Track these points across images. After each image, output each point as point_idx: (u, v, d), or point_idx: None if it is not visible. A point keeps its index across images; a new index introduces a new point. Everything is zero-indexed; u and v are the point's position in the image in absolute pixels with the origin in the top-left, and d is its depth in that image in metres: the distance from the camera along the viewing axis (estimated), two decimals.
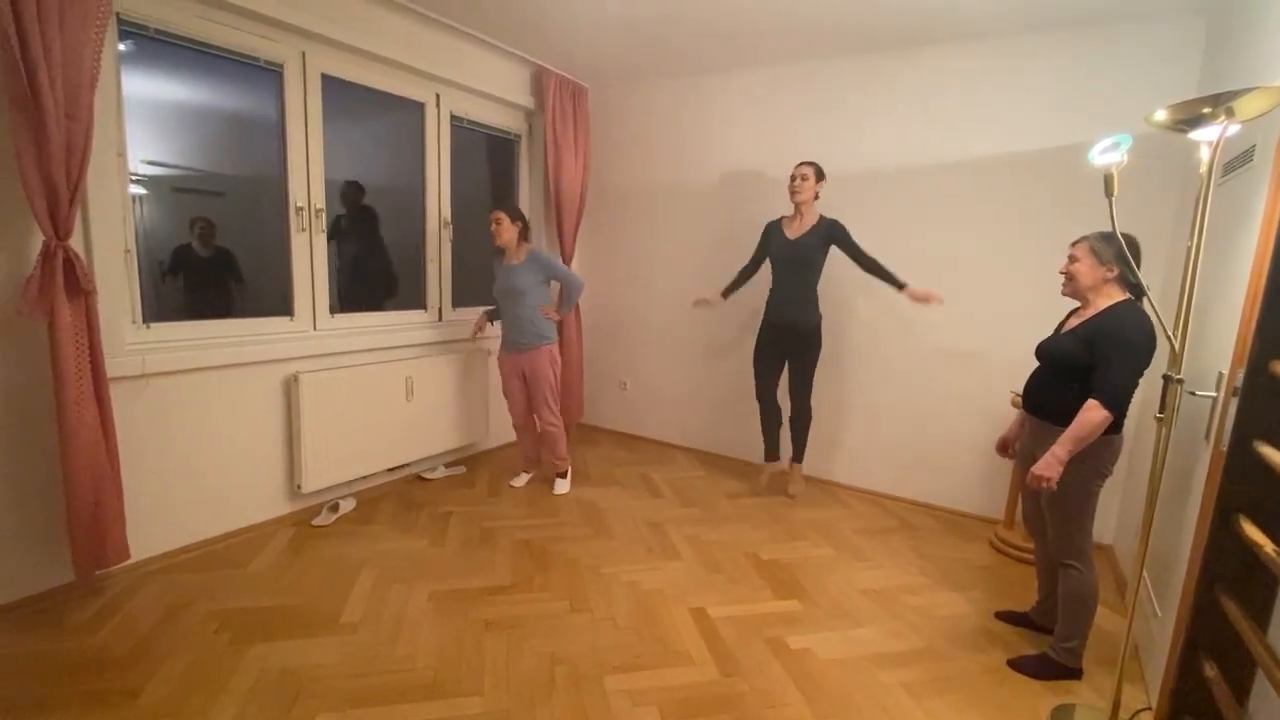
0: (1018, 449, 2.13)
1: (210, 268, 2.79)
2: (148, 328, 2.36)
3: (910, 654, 2.05)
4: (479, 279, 3.97)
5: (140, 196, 2.39)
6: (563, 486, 3.34)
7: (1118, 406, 1.70)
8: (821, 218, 3.03)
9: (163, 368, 2.33)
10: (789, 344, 3.15)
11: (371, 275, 3.45)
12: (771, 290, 3.19)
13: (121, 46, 2.21)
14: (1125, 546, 2.61)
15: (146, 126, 2.37)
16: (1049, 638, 1.99)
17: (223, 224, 2.78)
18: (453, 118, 3.48)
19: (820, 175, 3.03)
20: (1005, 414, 2.86)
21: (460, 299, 3.68)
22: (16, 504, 2.04)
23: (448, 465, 3.56)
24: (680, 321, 4.01)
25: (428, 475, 3.43)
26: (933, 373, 3.22)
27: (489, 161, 4.04)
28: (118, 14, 2.16)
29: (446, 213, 3.51)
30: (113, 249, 2.19)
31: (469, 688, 1.80)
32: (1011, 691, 1.87)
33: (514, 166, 4.07)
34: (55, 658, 1.86)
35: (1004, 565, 2.69)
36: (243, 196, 2.91)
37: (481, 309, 3.45)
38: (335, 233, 3.04)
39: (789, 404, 3.24)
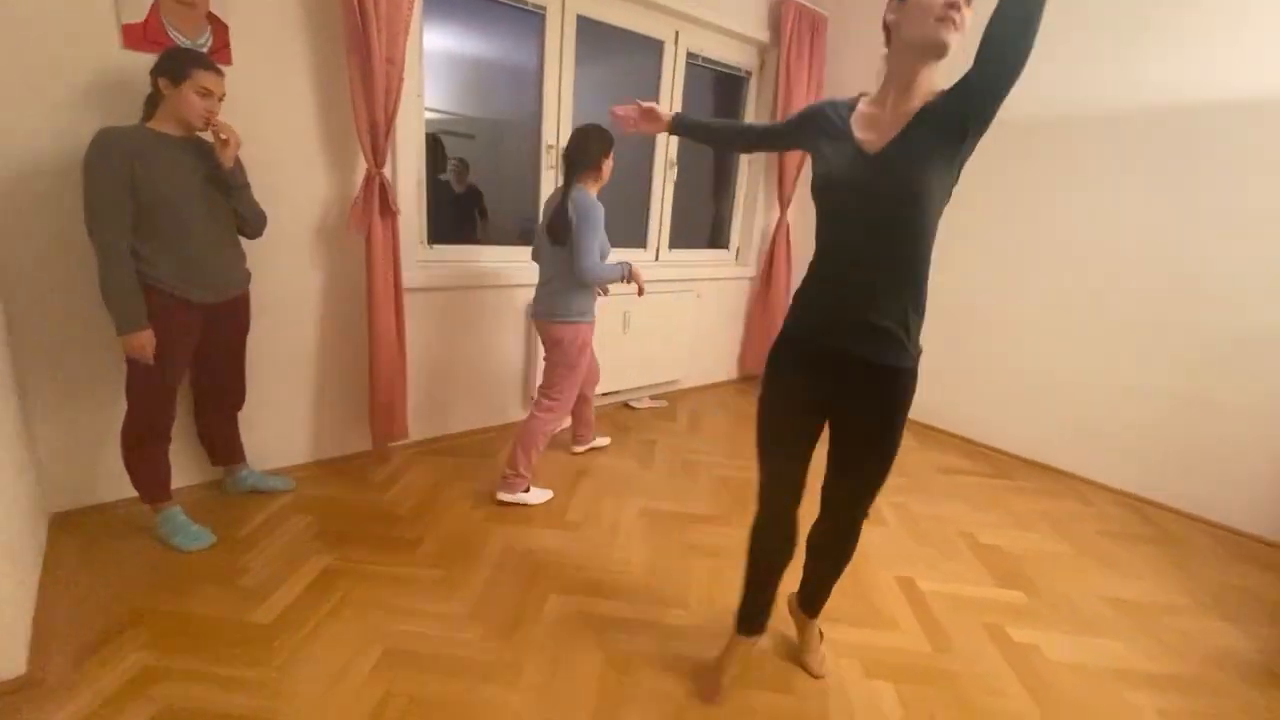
0: None
1: (462, 203, 3.18)
2: (430, 248, 2.77)
3: (1169, 679, 1.76)
4: (695, 220, 4.02)
5: None
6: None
7: None
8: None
9: (441, 284, 2.73)
10: (846, 393, 1.39)
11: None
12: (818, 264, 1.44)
13: None
14: None
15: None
16: None
17: (472, 164, 3.13)
18: (688, 55, 3.47)
19: None
20: None
21: (677, 240, 3.76)
22: (335, 383, 2.58)
23: (652, 397, 3.76)
24: None
25: (634, 404, 3.65)
26: (1228, 358, 2.60)
27: (714, 101, 3.99)
28: None
29: (673, 153, 3.56)
30: (409, 178, 2.57)
31: (675, 600, 1.94)
32: None
33: (739, 105, 3.98)
34: (358, 505, 2.35)
35: None
36: (491, 139, 3.21)
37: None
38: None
39: (825, 518, 1.64)
